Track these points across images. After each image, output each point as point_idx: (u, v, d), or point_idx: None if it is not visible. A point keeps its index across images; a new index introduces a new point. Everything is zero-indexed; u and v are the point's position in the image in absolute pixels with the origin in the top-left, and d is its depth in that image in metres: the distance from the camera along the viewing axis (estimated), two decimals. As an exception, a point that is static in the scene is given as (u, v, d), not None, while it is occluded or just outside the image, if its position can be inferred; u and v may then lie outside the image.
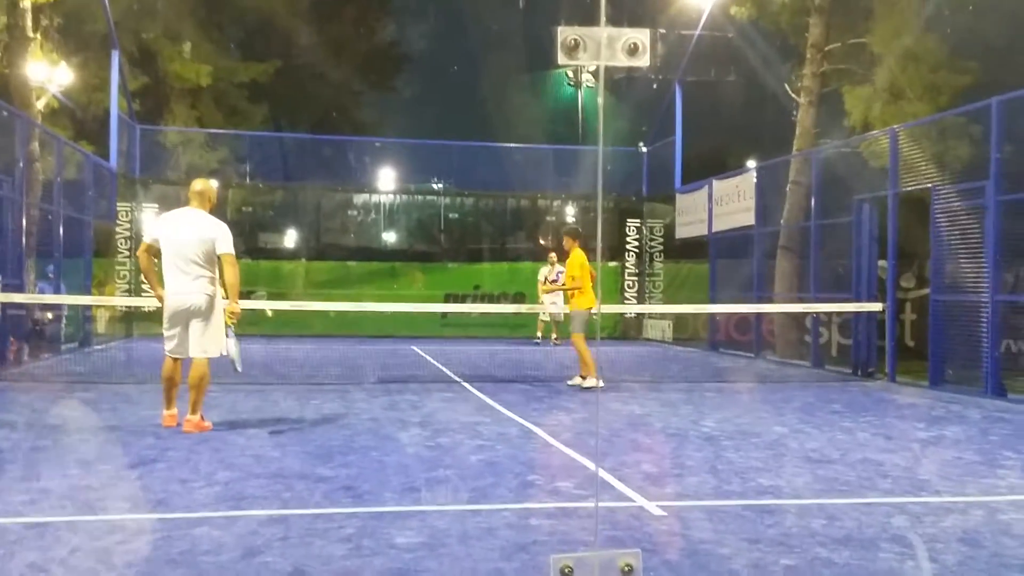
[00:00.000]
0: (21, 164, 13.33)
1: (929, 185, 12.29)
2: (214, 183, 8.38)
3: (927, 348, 12.37)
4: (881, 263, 13.79)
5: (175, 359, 7.95)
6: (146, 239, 8.03)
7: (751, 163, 23.12)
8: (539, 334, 19.93)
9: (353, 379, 12.29)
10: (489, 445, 7.37)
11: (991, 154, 11.01)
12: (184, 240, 7.77)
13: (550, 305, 17.92)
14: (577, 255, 11.83)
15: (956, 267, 11.86)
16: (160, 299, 7.91)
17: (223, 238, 7.88)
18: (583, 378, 11.67)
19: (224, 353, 8.07)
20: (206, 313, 7.83)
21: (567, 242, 12.06)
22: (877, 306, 13.27)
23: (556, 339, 19.46)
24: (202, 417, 7.86)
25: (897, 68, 16.01)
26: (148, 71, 24.33)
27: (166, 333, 7.93)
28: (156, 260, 7.93)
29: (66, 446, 7.08)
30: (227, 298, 7.92)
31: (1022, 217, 10.97)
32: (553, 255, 19.31)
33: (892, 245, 13.07)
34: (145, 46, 24.44)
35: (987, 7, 15.68)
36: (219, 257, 7.87)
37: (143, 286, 19.23)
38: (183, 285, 7.76)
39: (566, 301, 11.94)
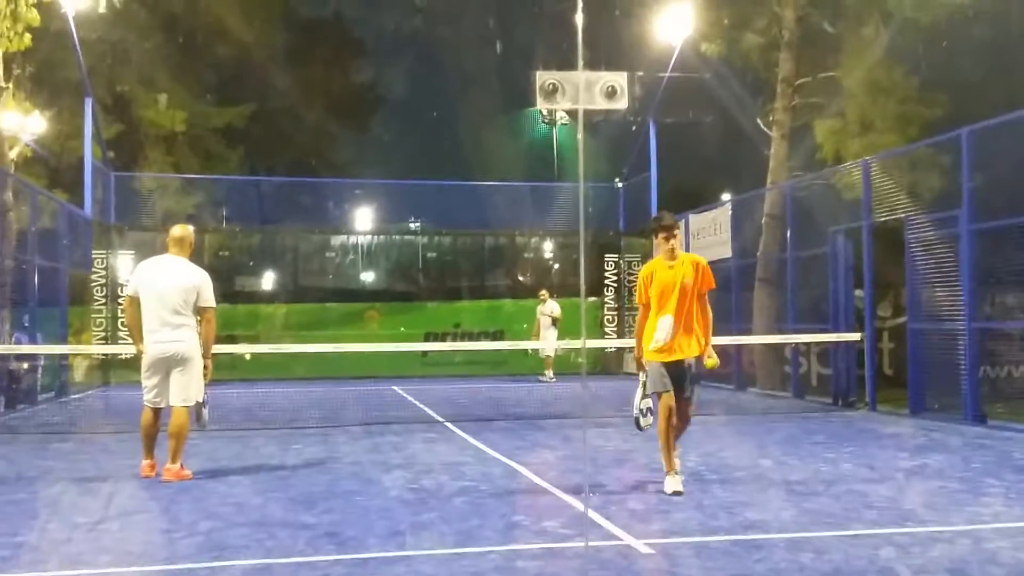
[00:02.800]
0: (-5, 214, 13.24)
1: (902, 215, 12.42)
2: (192, 229, 8.36)
3: (906, 376, 12.44)
4: (857, 293, 13.88)
5: (154, 408, 7.87)
6: (129, 291, 7.97)
7: (726, 196, 23.33)
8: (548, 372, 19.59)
9: (334, 422, 12.20)
10: (473, 486, 7.32)
11: (963, 184, 11.14)
12: (166, 289, 7.73)
13: (543, 340, 18.16)
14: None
15: (932, 295, 11.96)
16: (141, 352, 7.83)
17: (207, 290, 7.89)
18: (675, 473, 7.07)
19: (202, 399, 8.00)
20: (187, 362, 7.78)
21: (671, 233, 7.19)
22: (856, 336, 13.34)
23: (551, 376, 19.34)
24: (182, 466, 7.76)
25: (867, 101, 16.25)
26: (122, 118, 24.36)
27: (145, 382, 7.85)
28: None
29: (44, 498, 6.97)
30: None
31: (995, 245, 11.10)
32: (544, 292, 19.76)
33: (868, 275, 13.19)
34: (119, 93, 24.46)
35: (957, 41, 15.98)
36: (200, 308, 7.87)
37: (120, 333, 19.07)
38: (166, 334, 7.71)
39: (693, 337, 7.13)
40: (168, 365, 7.76)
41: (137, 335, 7.84)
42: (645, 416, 7.27)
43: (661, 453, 7.09)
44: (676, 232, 7.20)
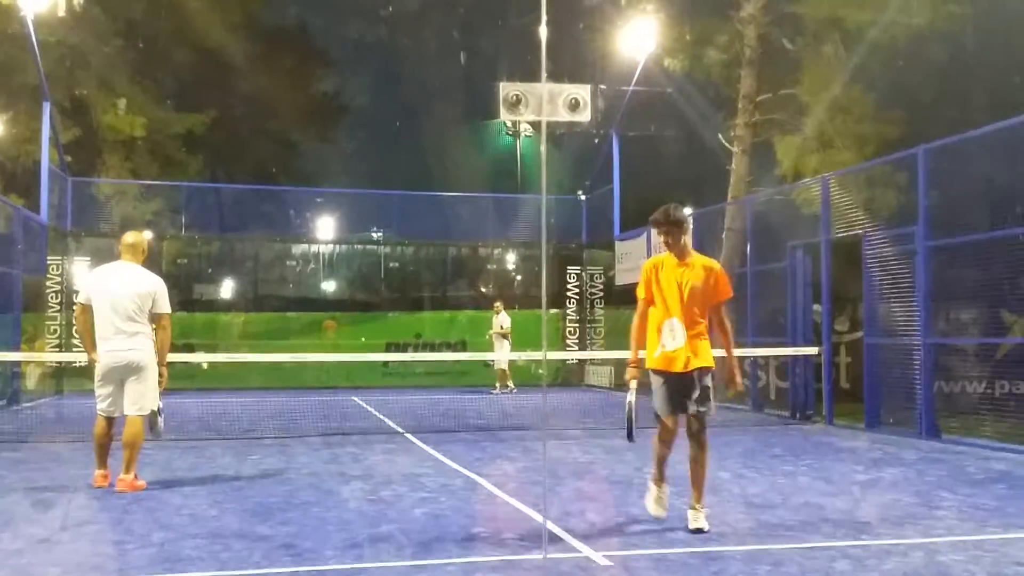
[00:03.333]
0: (-53, 218, 13.00)
1: (860, 231, 12.59)
2: (146, 235, 8.26)
3: (862, 390, 12.58)
4: (815, 307, 14.03)
5: (108, 417, 7.75)
6: (81, 299, 7.84)
7: (688, 210, 23.48)
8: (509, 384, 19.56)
9: (292, 433, 12.08)
10: (433, 497, 7.28)
11: (919, 201, 11.32)
12: (121, 295, 7.62)
13: (495, 352, 18.25)
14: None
15: (888, 311, 12.11)
16: (93, 360, 7.71)
17: (162, 297, 7.80)
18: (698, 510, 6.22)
19: (157, 407, 7.88)
20: (142, 370, 7.66)
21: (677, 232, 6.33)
22: (813, 350, 13.47)
23: (505, 388, 19.29)
24: (136, 476, 7.65)
25: (826, 118, 16.48)
26: (81, 123, 23.99)
27: (99, 391, 7.73)
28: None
29: (-7, 509, 6.83)
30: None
31: (950, 262, 11.28)
32: (498, 304, 19.57)
33: (826, 289, 13.33)
34: (78, 97, 24.13)
35: (913, 62, 16.26)
36: (155, 315, 7.77)
37: (74, 340, 18.78)
38: (120, 342, 7.59)
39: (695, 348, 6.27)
40: (123, 373, 7.65)
41: (89, 343, 7.72)
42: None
43: (652, 464, 6.52)
44: (674, 229, 6.20)
